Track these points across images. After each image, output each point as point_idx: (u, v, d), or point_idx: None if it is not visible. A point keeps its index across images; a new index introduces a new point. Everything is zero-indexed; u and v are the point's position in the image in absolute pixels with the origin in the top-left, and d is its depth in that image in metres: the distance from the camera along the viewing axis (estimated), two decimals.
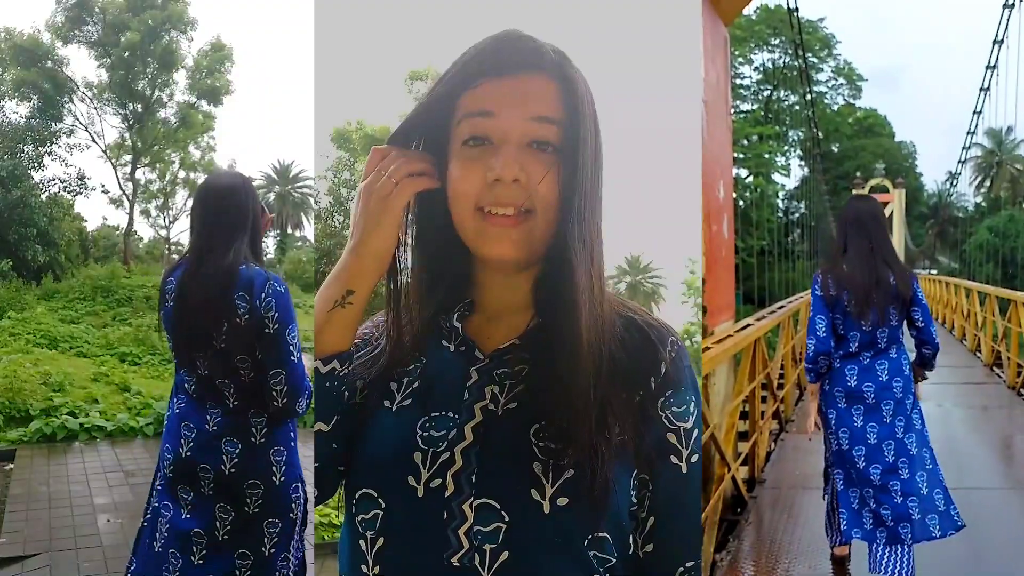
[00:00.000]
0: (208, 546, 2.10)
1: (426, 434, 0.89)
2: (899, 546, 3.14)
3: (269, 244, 30.27)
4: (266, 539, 2.13)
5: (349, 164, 21.78)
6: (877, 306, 3.16)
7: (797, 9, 23.66)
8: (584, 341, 0.87)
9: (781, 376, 7.74)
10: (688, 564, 0.92)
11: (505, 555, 0.83)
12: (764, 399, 5.95)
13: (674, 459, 0.91)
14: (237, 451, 2.10)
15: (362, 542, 0.89)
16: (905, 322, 3.28)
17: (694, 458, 0.92)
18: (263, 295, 2.04)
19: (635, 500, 0.90)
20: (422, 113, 0.94)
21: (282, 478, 2.15)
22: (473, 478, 0.85)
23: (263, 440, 2.13)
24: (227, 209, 2.14)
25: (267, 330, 2.04)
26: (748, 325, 5.65)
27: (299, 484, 2.21)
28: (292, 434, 2.21)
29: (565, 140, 0.89)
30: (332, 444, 0.94)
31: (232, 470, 2.09)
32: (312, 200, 29.69)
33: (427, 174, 0.93)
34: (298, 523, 2.22)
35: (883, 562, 3.16)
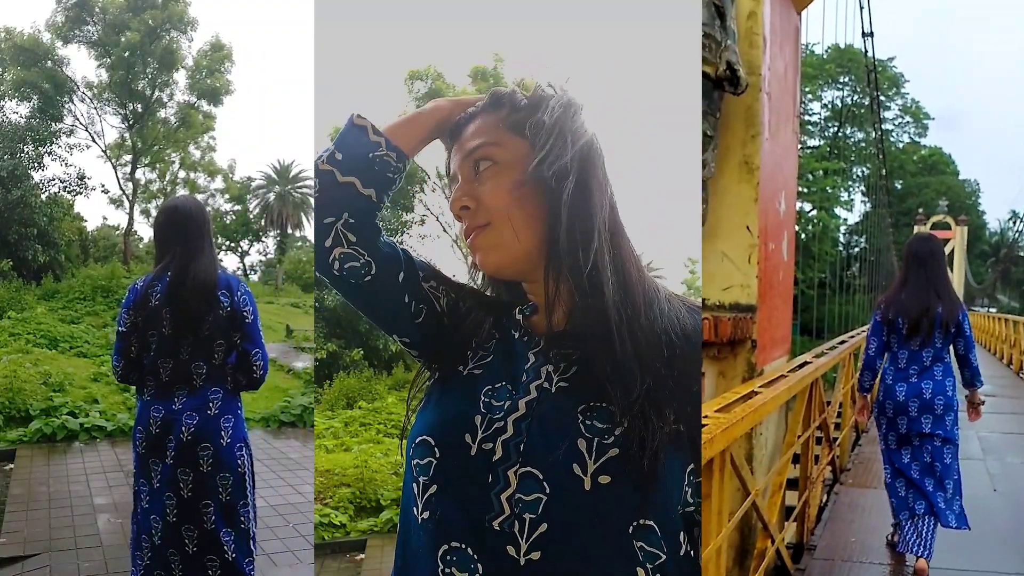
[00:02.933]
0: (178, 504, 2.59)
1: (488, 401, 0.96)
2: (932, 521, 3.80)
3: (269, 244, 30.26)
4: (221, 490, 2.61)
5: None
6: (924, 331, 3.74)
7: (872, 34, 23.34)
8: (624, 327, 0.95)
9: (837, 416, 6.89)
10: None
11: (544, 527, 0.87)
12: (819, 440, 5.23)
13: None
14: (194, 422, 2.58)
15: (415, 485, 0.96)
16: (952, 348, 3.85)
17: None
18: (239, 293, 2.66)
19: (691, 500, 0.92)
20: None
21: (228, 440, 2.64)
22: (521, 447, 0.91)
23: (216, 411, 2.63)
24: (200, 226, 2.71)
25: (247, 319, 2.65)
26: (805, 363, 4.72)
27: (243, 444, 2.69)
28: (239, 406, 2.71)
29: (505, 153, 1.02)
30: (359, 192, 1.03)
31: (188, 437, 2.57)
32: (312, 200, 29.66)
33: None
34: (247, 477, 2.70)
35: (912, 537, 3.82)
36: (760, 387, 3.37)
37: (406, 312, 1.05)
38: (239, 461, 2.67)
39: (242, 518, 2.68)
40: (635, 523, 0.87)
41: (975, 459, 6.61)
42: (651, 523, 0.87)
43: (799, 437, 4.29)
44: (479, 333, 1.06)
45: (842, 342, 7.18)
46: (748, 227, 4.10)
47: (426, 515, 0.93)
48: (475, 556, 0.89)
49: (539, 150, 1.00)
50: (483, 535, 0.89)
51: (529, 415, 0.93)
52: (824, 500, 5.40)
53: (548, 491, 0.88)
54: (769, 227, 4.32)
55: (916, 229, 32.87)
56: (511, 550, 0.87)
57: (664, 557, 0.87)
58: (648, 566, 0.87)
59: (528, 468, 0.89)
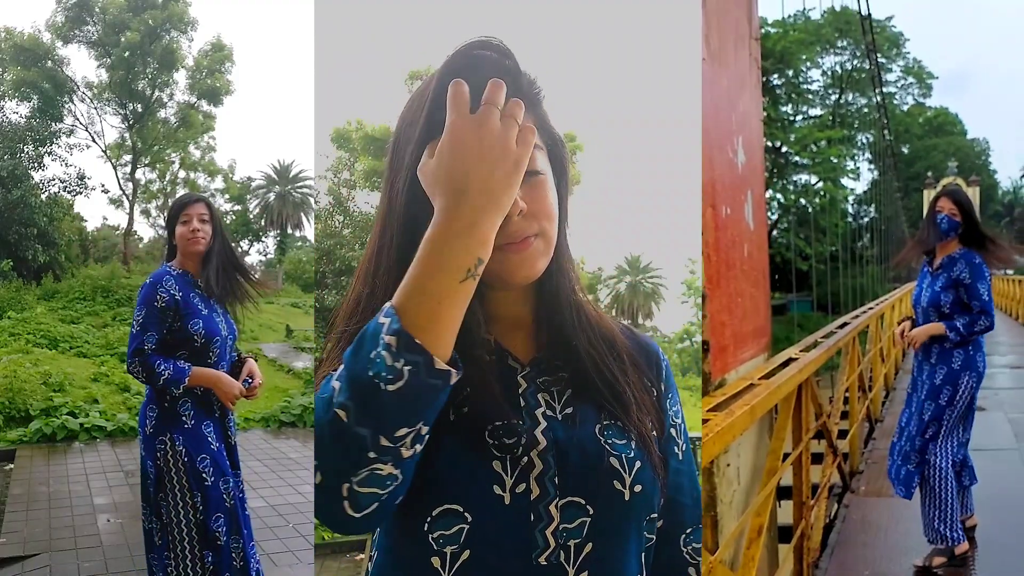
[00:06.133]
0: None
1: (498, 442, 0.89)
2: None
3: (269, 244, 30.24)
4: (149, 478, 2.70)
5: (349, 164, 21.78)
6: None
7: (870, 16, 22.93)
8: (603, 344, 1.00)
9: (844, 403, 5.81)
10: (689, 531, 1.05)
11: (589, 546, 0.90)
12: (823, 433, 4.32)
13: (676, 449, 1.05)
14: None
15: (436, 559, 0.87)
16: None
17: (686, 447, 1.07)
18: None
19: None
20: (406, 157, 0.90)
21: (151, 430, 2.70)
22: (556, 479, 0.90)
23: (145, 399, 2.76)
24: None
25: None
26: (789, 361, 3.69)
27: (165, 439, 2.67)
28: (166, 396, 2.70)
29: (549, 163, 0.96)
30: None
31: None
32: (312, 200, 29.71)
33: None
34: (172, 473, 2.65)
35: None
36: (709, 411, 2.53)
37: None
38: (158, 453, 2.68)
39: (161, 509, 2.68)
40: (648, 518, 0.96)
41: (1008, 449, 5.94)
42: (655, 515, 0.97)
43: (792, 454, 3.48)
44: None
45: (843, 325, 6.04)
46: None
47: None
48: None
49: (558, 163, 0.98)
50: (531, 574, 0.88)
51: (551, 446, 0.91)
52: (833, 513, 4.54)
53: (592, 512, 0.91)
54: (719, 184, 3.27)
55: (926, 193, 32.49)
56: None
57: (653, 539, 0.98)
58: (645, 552, 0.97)
59: (570, 498, 0.90)
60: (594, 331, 1.00)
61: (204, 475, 2.69)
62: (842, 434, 5.35)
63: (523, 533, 0.88)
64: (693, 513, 1.05)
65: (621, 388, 0.97)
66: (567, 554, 0.89)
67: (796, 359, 3.73)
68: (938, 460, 3.64)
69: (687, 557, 1.03)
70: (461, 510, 0.87)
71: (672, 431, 1.04)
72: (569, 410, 0.95)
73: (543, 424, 0.92)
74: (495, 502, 0.87)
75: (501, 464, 0.88)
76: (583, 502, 0.90)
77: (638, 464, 0.94)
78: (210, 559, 2.67)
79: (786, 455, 3.46)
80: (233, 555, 2.73)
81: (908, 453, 3.74)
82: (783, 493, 3.73)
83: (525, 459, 0.89)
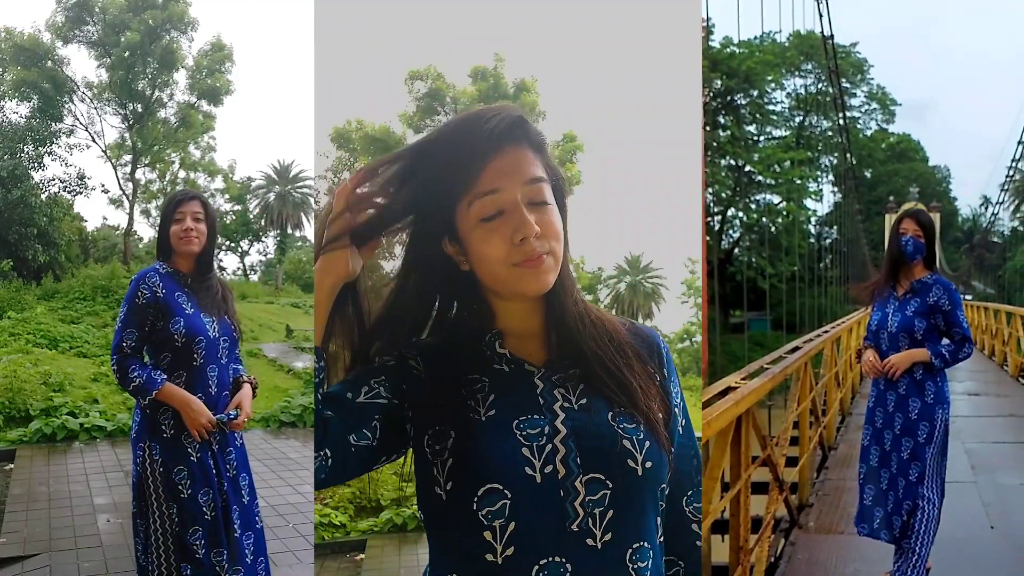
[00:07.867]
0: None
1: (524, 433, 1.10)
2: None
3: (269, 244, 30.25)
4: (135, 481, 2.68)
5: (349, 164, 21.78)
6: None
7: (832, 37, 23.06)
8: (608, 343, 1.18)
9: (794, 427, 5.38)
10: (690, 493, 1.25)
11: (611, 513, 1.09)
12: (769, 463, 4.00)
13: (678, 427, 1.22)
14: None
15: (488, 533, 1.06)
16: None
17: (686, 423, 1.25)
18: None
19: None
20: (423, 197, 1.13)
21: (134, 434, 2.68)
22: (578, 460, 1.09)
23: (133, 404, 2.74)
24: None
25: None
26: (728, 389, 3.35)
27: (144, 446, 2.62)
28: (145, 400, 2.61)
29: (552, 191, 1.15)
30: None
31: None
32: (312, 200, 29.70)
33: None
34: (149, 481, 2.61)
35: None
36: None
37: (369, 450, 1.12)
38: (137, 459, 2.64)
39: (147, 514, 2.63)
40: (662, 487, 1.15)
41: (964, 482, 5.51)
42: (665, 485, 1.15)
43: (732, 488, 3.19)
44: (463, 385, 1.15)
45: (794, 349, 5.49)
46: None
47: (511, 551, 1.06)
48: (564, 560, 1.07)
49: (560, 196, 1.17)
50: (567, 540, 1.07)
51: (571, 433, 1.11)
52: (779, 550, 4.20)
53: (611, 485, 1.09)
54: None
55: (887, 217, 32.83)
56: (589, 541, 1.08)
57: (665, 505, 1.17)
58: (660, 513, 1.16)
59: (591, 475, 1.09)
60: (598, 333, 1.18)
61: (180, 487, 2.59)
62: (792, 461, 4.95)
63: (556, 505, 1.07)
64: (692, 479, 1.24)
65: (628, 381, 1.16)
66: (594, 520, 1.08)
67: (736, 387, 3.37)
68: (928, 503, 3.38)
69: (690, 516, 1.24)
70: (501, 488, 1.06)
71: (675, 410, 1.22)
72: (584, 401, 1.14)
73: (561, 416, 1.12)
74: (529, 480, 1.07)
75: (529, 451, 1.08)
76: (603, 478, 1.09)
77: (648, 444, 1.12)
78: (188, 572, 2.57)
79: (726, 485, 3.16)
80: (217, 569, 2.61)
81: (885, 494, 3.48)
82: (721, 527, 3.45)
83: (549, 446, 1.09)
